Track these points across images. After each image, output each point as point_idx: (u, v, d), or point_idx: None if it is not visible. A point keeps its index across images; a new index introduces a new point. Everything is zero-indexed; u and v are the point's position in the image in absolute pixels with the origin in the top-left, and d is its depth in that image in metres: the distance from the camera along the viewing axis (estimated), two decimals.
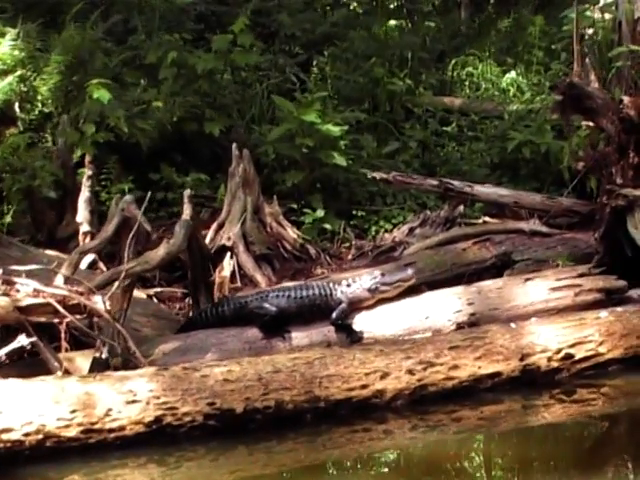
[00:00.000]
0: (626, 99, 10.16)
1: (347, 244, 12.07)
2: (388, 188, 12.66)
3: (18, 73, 12.44)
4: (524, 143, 13.26)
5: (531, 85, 15.72)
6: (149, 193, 9.10)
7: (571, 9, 13.06)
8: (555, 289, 9.12)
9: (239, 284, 10.78)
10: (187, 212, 9.03)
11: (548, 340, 8.37)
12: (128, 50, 13.86)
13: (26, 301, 7.67)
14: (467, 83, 16.20)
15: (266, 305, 8.72)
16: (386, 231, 12.24)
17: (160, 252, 8.50)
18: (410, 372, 7.89)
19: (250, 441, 7.38)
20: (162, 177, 12.47)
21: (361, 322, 8.78)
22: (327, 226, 12.14)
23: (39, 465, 6.87)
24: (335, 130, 12.40)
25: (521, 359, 8.22)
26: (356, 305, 8.82)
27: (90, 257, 10.17)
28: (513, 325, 8.53)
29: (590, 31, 13.84)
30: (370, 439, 7.66)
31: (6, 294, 7.64)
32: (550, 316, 8.82)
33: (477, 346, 8.19)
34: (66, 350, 7.82)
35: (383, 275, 8.98)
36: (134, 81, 13.26)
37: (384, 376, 7.82)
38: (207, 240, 11.05)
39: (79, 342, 8.20)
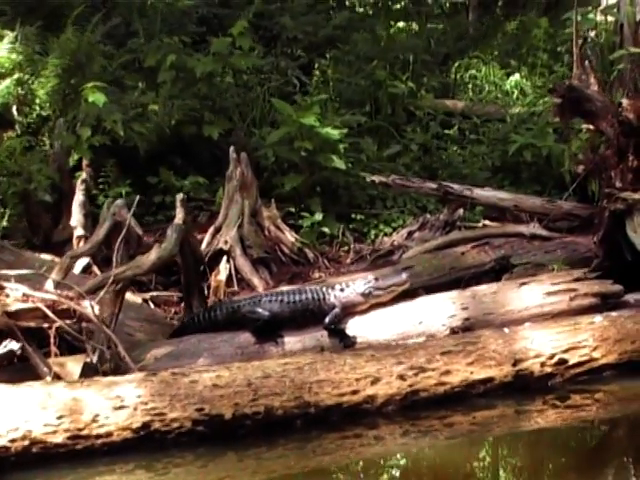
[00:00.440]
0: (625, 102, 10.03)
1: (346, 248, 12.01)
2: (388, 191, 12.61)
3: (16, 76, 12.50)
4: (525, 146, 13.20)
5: (535, 88, 15.64)
6: (137, 197, 9.11)
7: (572, 11, 12.97)
8: (550, 293, 9.03)
9: (236, 288, 10.75)
10: (180, 216, 8.98)
11: (541, 345, 8.28)
12: (128, 53, 13.89)
13: (15, 306, 7.65)
14: (470, 86, 16.15)
15: (259, 310, 8.67)
16: (386, 235, 12.19)
17: (152, 256, 8.48)
18: (401, 377, 7.81)
19: (239, 447, 7.31)
20: (160, 180, 12.45)
21: (354, 327, 8.72)
22: (326, 230, 12.09)
23: (25, 472, 6.82)
24: (334, 133, 12.35)
25: (514, 364, 8.14)
26: (349, 310, 8.77)
27: (84, 261, 10.15)
28: (506, 330, 8.44)
29: (592, 34, 13.80)
30: (361, 445, 7.59)
31: None
32: (545, 321, 8.75)
33: (469, 351, 8.11)
34: (56, 355, 7.81)
35: (377, 279, 8.91)
36: (133, 84, 13.27)
37: (375, 381, 7.74)
38: (204, 244, 11.05)
39: (72, 347, 8.17)
